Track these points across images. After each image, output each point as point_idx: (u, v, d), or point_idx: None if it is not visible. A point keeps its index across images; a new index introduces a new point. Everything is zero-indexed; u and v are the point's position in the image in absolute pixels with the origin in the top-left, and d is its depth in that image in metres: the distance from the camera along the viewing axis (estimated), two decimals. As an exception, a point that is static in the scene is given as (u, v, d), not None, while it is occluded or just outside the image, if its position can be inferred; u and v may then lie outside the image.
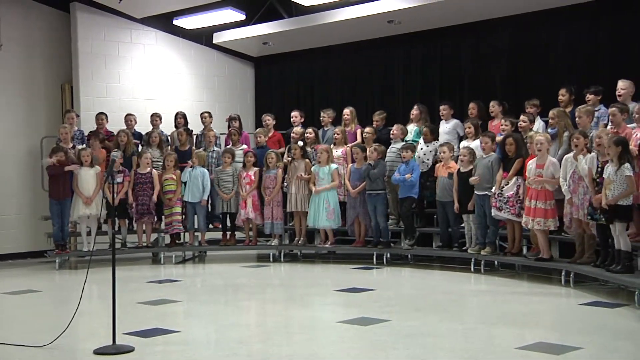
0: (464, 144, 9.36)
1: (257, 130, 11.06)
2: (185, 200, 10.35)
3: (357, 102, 11.29)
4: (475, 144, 9.08)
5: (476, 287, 8.20)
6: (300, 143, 10.23)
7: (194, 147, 10.99)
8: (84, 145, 10.31)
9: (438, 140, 9.79)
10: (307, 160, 10.23)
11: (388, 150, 9.87)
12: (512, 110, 9.45)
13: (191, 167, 10.37)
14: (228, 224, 10.68)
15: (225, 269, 9.87)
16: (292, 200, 10.21)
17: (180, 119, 11.24)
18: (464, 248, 9.09)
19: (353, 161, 9.99)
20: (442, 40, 11.25)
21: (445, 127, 9.89)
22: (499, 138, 8.82)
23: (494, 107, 9.52)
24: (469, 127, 9.34)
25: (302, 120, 11.11)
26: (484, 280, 8.44)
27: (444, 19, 10.73)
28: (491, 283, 8.29)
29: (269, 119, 11.15)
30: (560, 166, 7.81)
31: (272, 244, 10.46)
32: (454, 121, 9.88)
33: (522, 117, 8.83)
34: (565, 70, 9.89)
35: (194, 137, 11.35)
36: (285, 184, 10.36)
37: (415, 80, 11.59)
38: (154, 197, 10.14)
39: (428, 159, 9.74)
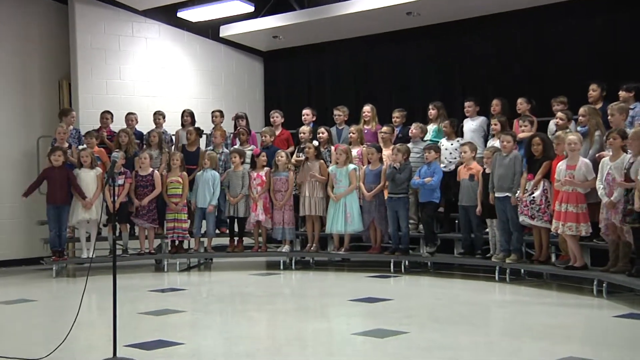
0: (490, 143, 9.33)
1: (263, 129, 11.06)
2: (193, 205, 10.35)
3: (372, 99, 11.26)
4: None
5: (501, 297, 8.18)
6: (315, 142, 10.22)
7: (202, 148, 10.99)
8: (84, 146, 10.32)
9: (463, 136, 9.77)
10: (322, 161, 10.21)
11: (406, 151, 9.86)
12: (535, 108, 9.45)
13: (202, 169, 10.38)
14: (236, 229, 10.68)
15: (232, 277, 9.87)
16: (305, 204, 10.20)
17: (187, 117, 11.25)
18: (488, 255, 9.05)
19: (369, 162, 9.98)
20: (462, 34, 11.23)
21: (471, 125, 9.87)
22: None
23: (521, 104, 9.47)
24: (495, 124, 9.30)
25: (314, 118, 11.10)
26: (509, 290, 8.41)
27: (466, 10, 10.70)
28: (517, 293, 8.25)
29: (277, 116, 11.15)
30: (595, 167, 7.75)
31: (283, 250, 10.45)
32: (480, 118, 9.86)
33: (559, 114, 8.77)
34: (593, 66, 9.82)
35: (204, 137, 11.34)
36: (296, 186, 10.35)
37: (434, 76, 11.57)
38: (153, 194, 10.05)
39: (455, 158, 9.70)
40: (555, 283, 8.68)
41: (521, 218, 8.41)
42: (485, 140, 9.71)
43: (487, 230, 9.11)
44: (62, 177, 9.83)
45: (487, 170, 8.90)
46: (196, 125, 11.24)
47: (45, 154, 10.31)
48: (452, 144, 9.78)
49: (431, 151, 9.46)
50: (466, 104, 9.93)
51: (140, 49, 12.38)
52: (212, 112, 11.30)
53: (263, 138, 10.81)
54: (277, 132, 11.03)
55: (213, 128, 11.16)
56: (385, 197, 9.73)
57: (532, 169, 8.38)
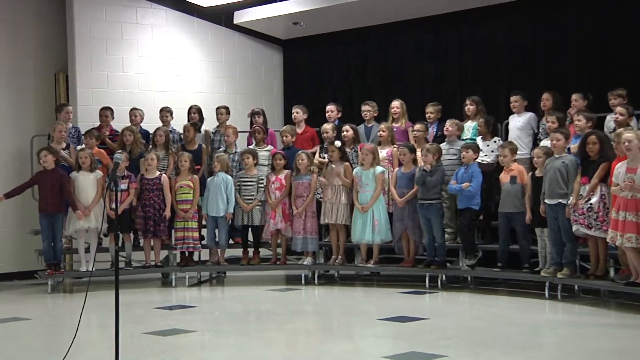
0: (544, 143, 9.26)
1: (284, 128, 11.05)
2: (205, 213, 10.37)
3: (404, 93, 11.23)
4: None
5: (552, 317, 8.12)
6: (338, 143, 10.17)
7: (204, 145, 11.01)
8: (83, 146, 10.36)
9: (507, 135, 9.71)
10: (348, 163, 10.19)
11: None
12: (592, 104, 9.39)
13: (212, 173, 10.39)
14: (251, 239, 10.68)
15: (247, 293, 9.89)
16: (328, 211, 10.19)
17: (195, 114, 11.28)
18: (537, 269, 8.99)
19: (401, 164, 9.95)
20: (507, 18, 11.17)
21: (517, 122, 9.81)
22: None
23: (577, 100, 9.36)
24: (552, 122, 9.16)
25: (339, 115, 11.09)
26: (562, 309, 8.34)
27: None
28: (570, 312, 8.19)
29: (297, 112, 11.13)
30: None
31: (304, 263, 10.44)
32: (528, 114, 9.78)
33: (619, 109, 8.68)
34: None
35: (209, 135, 11.35)
36: (319, 190, 10.33)
37: (474, 67, 11.52)
38: (167, 211, 10.12)
39: (489, 161, 9.65)
40: (614, 301, 8.59)
41: (575, 227, 8.33)
42: (534, 140, 9.63)
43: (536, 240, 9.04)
44: (54, 181, 9.84)
45: (538, 173, 8.83)
46: (204, 123, 11.28)
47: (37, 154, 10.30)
48: (487, 145, 9.71)
49: (469, 151, 9.40)
50: (512, 98, 9.86)
51: (146, 37, 12.43)
52: (217, 108, 11.32)
53: (284, 138, 10.80)
54: (299, 130, 11.01)
55: (218, 126, 11.19)
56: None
57: (587, 172, 8.30)
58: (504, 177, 9.19)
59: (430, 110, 10.46)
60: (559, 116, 9.17)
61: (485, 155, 9.72)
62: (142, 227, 10.13)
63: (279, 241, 10.54)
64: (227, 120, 11.21)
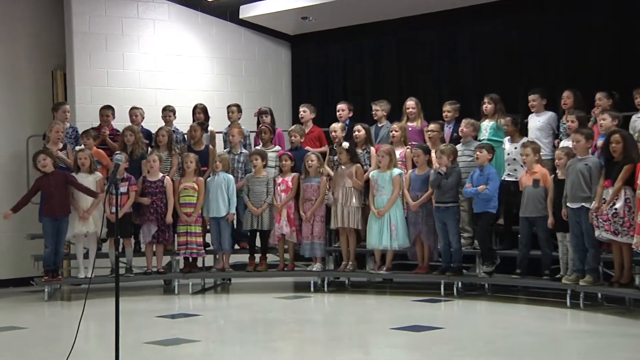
0: (563, 143, 9.25)
1: (292, 128, 11.05)
2: (206, 215, 10.39)
3: (418, 92, 11.22)
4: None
5: (574, 326, 8.10)
6: (346, 144, 10.17)
7: (211, 146, 11.02)
8: (82, 146, 10.37)
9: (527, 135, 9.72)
10: (359, 164, 10.19)
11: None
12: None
13: (212, 173, 10.41)
14: (258, 244, 10.69)
15: (254, 301, 9.89)
16: (338, 215, 10.18)
17: (200, 114, 11.29)
18: (558, 276, 8.97)
19: (414, 166, 9.94)
20: (524, 12, 11.16)
21: (537, 122, 9.79)
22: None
23: (600, 99, 9.34)
24: (572, 122, 9.15)
25: (351, 114, 11.08)
26: (584, 318, 8.32)
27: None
28: (593, 322, 8.15)
29: (304, 111, 11.14)
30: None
31: (314, 269, 10.45)
32: (548, 114, 9.77)
33: None
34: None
35: (215, 135, 11.37)
36: (328, 194, 10.34)
37: (492, 64, 11.51)
38: (168, 216, 10.15)
39: (517, 166, 9.62)
40: (640, 310, 8.58)
41: (597, 232, 8.31)
42: (554, 139, 9.62)
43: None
44: (58, 183, 9.85)
45: (560, 175, 8.81)
46: (209, 123, 11.29)
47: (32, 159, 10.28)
48: (515, 147, 9.64)
49: (482, 151, 9.37)
50: (530, 97, 9.85)
51: (147, 33, 12.46)
52: (228, 106, 11.33)
53: (292, 138, 10.81)
54: (307, 130, 11.02)
55: (229, 125, 11.20)
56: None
57: (611, 174, 8.28)
58: (526, 180, 9.16)
59: (448, 109, 10.43)
60: (580, 115, 9.15)
61: (514, 158, 9.63)
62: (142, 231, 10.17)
63: (286, 246, 10.55)
64: (238, 119, 11.21)
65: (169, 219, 10.17)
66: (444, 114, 10.44)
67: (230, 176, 10.42)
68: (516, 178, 9.50)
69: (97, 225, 9.94)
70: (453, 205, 9.55)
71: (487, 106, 10.10)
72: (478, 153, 9.38)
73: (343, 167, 10.18)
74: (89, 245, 10.17)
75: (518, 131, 9.74)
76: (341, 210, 10.17)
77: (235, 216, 10.45)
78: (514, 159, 9.64)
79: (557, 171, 8.93)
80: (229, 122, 11.23)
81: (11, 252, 11.54)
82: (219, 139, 11.50)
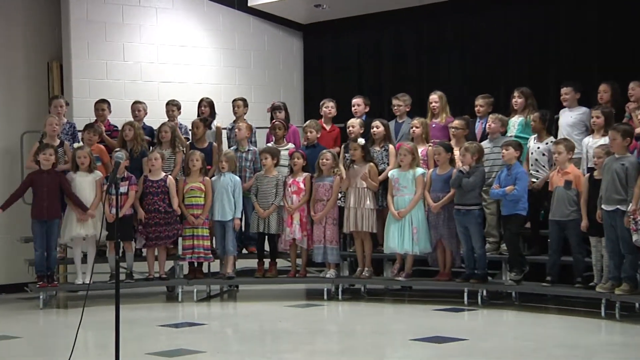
0: (587, 140, 9.22)
1: (307, 123, 11.01)
2: (213, 219, 10.38)
3: (442, 84, 11.17)
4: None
5: (609, 338, 8.07)
6: (362, 141, 10.15)
7: (215, 144, 11.02)
8: (81, 143, 10.37)
9: (557, 133, 9.68)
10: (372, 163, 10.17)
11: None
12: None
13: (217, 173, 10.40)
14: (267, 248, 10.68)
15: (263, 309, 9.91)
16: (351, 217, 10.17)
17: (205, 108, 11.28)
18: (591, 284, 8.94)
19: (436, 165, 9.92)
20: (558, 2, 11.14)
21: (569, 118, 9.74)
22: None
23: (633, 89, 9.31)
24: (597, 117, 9.16)
25: (367, 109, 11.06)
26: (620, 330, 8.30)
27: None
28: (630, 333, 8.12)
29: (331, 107, 11.05)
30: None
31: (327, 275, 10.43)
32: (582, 109, 9.71)
33: None
34: None
35: (222, 131, 11.36)
36: (342, 195, 10.31)
37: (523, 56, 11.49)
38: (175, 206, 10.14)
39: (544, 166, 9.59)
40: (681, 321, 8.55)
41: (635, 237, 8.27)
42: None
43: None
44: (52, 183, 9.86)
45: (597, 175, 8.76)
46: (215, 118, 11.27)
47: (31, 152, 10.30)
48: (542, 145, 9.60)
49: (509, 148, 9.32)
50: (563, 90, 9.79)
51: (149, 22, 12.47)
52: (234, 100, 11.31)
53: (307, 134, 10.74)
54: (328, 128, 10.98)
55: (234, 121, 11.20)
56: (458, 210, 9.69)
57: (649, 174, 8.26)
58: (557, 180, 9.11)
59: (480, 103, 10.31)
60: (605, 111, 9.13)
61: (543, 154, 9.60)
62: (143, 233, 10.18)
63: (298, 251, 10.53)
64: (244, 114, 11.18)
65: (177, 209, 10.14)
66: (475, 109, 10.35)
67: (237, 178, 10.40)
68: (536, 180, 9.50)
69: (96, 227, 9.94)
70: (475, 208, 9.51)
71: (517, 100, 10.04)
72: (504, 151, 9.32)
73: (356, 166, 10.16)
74: (88, 249, 10.16)
75: (545, 129, 9.69)
76: (354, 212, 10.15)
77: (241, 221, 10.43)
78: (537, 160, 9.63)
79: (593, 170, 8.88)
80: (235, 117, 11.22)
81: (4, 256, 11.54)
82: (225, 136, 11.49)
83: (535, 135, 9.73)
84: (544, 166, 9.58)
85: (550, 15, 11.28)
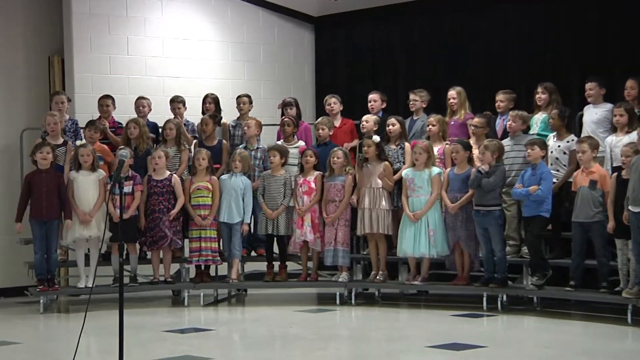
0: (610, 139, 9.20)
1: (319, 120, 11.02)
2: (219, 220, 10.38)
3: (463, 80, 11.14)
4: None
5: (635, 346, 8.05)
6: (377, 138, 10.14)
7: (224, 141, 11.01)
8: (83, 141, 10.38)
9: (579, 131, 9.64)
10: (387, 162, 10.15)
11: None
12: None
13: (227, 171, 10.40)
14: (276, 250, 10.68)
15: (272, 314, 9.91)
16: (365, 219, 10.16)
17: (210, 104, 11.29)
18: (617, 289, 8.91)
19: (454, 164, 9.90)
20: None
21: (593, 114, 9.73)
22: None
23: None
24: (621, 115, 9.15)
25: (384, 105, 11.06)
26: (647, 337, 8.29)
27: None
28: (658, 341, 8.13)
29: (334, 103, 11.08)
30: None
31: (339, 279, 10.42)
32: (607, 106, 9.69)
33: None
34: None
35: (227, 128, 11.35)
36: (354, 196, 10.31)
37: (544, 50, 11.46)
38: (175, 209, 10.15)
39: (563, 165, 9.59)
40: None
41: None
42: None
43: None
44: (50, 183, 9.86)
45: (625, 175, 8.73)
46: (222, 115, 11.26)
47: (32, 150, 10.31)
48: (562, 143, 9.59)
49: (535, 147, 9.30)
50: (587, 85, 9.78)
51: (155, 15, 12.49)
52: (238, 97, 11.33)
53: (320, 131, 10.75)
54: (337, 124, 10.98)
55: (238, 117, 11.20)
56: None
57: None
58: (581, 179, 9.08)
59: (501, 99, 10.31)
60: (628, 108, 9.12)
61: (564, 152, 9.59)
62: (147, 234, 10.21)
63: (309, 254, 10.53)
64: (249, 111, 11.21)
65: (175, 211, 10.13)
66: (496, 104, 10.35)
67: (248, 180, 10.40)
68: (558, 178, 9.49)
69: (100, 229, 9.92)
70: (495, 209, 9.49)
71: (541, 96, 10.01)
72: (530, 150, 9.30)
73: (369, 165, 10.14)
74: (91, 251, 10.17)
75: (565, 126, 9.65)
76: (369, 214, 10.13)
77: (249, 226, 10.45)
78: (557, 158, 9.61)
79: (620, 169, 8.87)
80: (239, 114, 11.25)
81: (3, 259, 11.56)
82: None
83: (555, 133, 9.71)
84: (565, 165, 9.55)
85: (550, 15, 11.29)
